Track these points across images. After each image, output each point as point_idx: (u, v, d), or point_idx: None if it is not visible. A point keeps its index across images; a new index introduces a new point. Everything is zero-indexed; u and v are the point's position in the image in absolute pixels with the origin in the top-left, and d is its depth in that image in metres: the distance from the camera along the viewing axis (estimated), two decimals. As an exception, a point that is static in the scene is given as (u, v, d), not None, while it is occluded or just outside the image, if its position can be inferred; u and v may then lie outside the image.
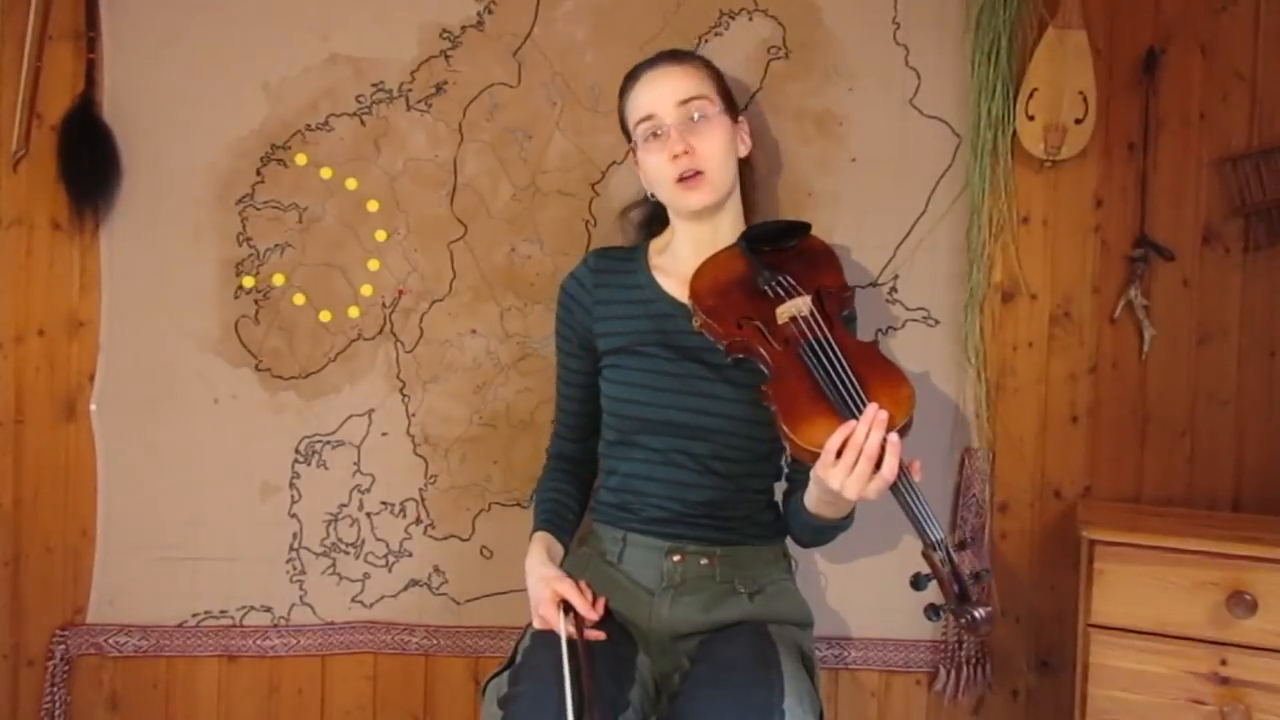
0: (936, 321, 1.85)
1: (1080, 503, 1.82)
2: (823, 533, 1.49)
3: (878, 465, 1.23)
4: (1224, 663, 1.53)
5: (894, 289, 1.85)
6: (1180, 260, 1.80)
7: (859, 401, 1.27)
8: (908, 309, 1.85)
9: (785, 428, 1.28)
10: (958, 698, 1.86)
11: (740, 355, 1.40)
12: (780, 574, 1.57)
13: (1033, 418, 1.86)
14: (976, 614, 1.17)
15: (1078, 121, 1.77)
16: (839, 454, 1.24)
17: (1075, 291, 1.84)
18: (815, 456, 1.26)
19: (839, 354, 1.33)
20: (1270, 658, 1.50)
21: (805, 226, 1.57)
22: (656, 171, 1.53)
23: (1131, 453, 1.84)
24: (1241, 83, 1.79)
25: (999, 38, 1.78)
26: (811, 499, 1.40)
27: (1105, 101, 1.80)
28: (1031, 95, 1.78)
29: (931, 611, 1.23)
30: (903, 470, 1.24)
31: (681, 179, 1.50)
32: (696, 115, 1.51)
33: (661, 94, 1.53)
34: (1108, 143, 1.82)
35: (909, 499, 1.24)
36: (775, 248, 1.52)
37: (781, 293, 1.43)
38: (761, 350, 1.38)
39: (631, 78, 1.59)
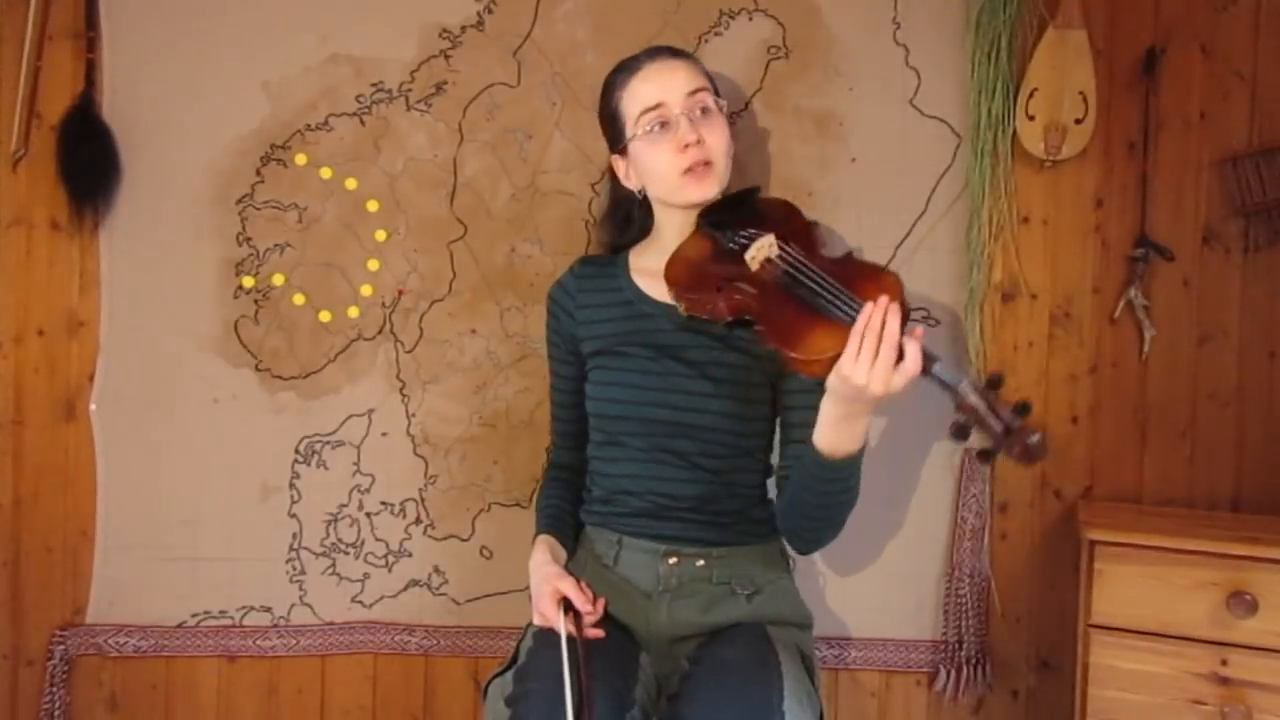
0: (936, 321, 1.85)
1: (1080, 503, 1.82)
2: (832, 493, 1.39)
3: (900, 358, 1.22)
4: (1224, 663, 1.53)
5: (894, 289, 1.85)
6: (1180, 260, 1.80)
7: (847, 298, 1.28)
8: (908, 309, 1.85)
9: (787, 351, 1.28)
10: (958, 698, 1.86)
11: (733, 317, 1.39)
12: (778, 574, 1.56)
13: (1033, 418, 1.85)
14: (1030, 440, 1.15)
15: (1078, 121, 1.77)
16: (858, 352, 1.22)
17: (1075, 291, 1.84)
18: (825, 366, 1.26)
19: (815, 269, 1.34)
20: (1270, 658, 1.50)
21: (754, 190, 1.57)
22: (662, 164, 1.50)
23: (1131, 453, 1.84)
24: (1241, 83, 1.79)
25: (999, 38, 1.78)
26: (823, 427, 1.33)
27: (1105, 101, 1.80)
28: (1031, 95, 1.77)
29: (983, 456, 1.20)
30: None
31: (690, 169, 1.48)
32: (703, 109, 1.50)
33: (671, 84, 1.50)
34: (1108, 143, 1.82)
35: (929, 367, 1.22)
36: (736, 218, 1.51)
37: (746, 242, 1.44)
38: (747, 301, 1.38)
39: (628, 70, 1.53)
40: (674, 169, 1.49)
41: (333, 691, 1.94)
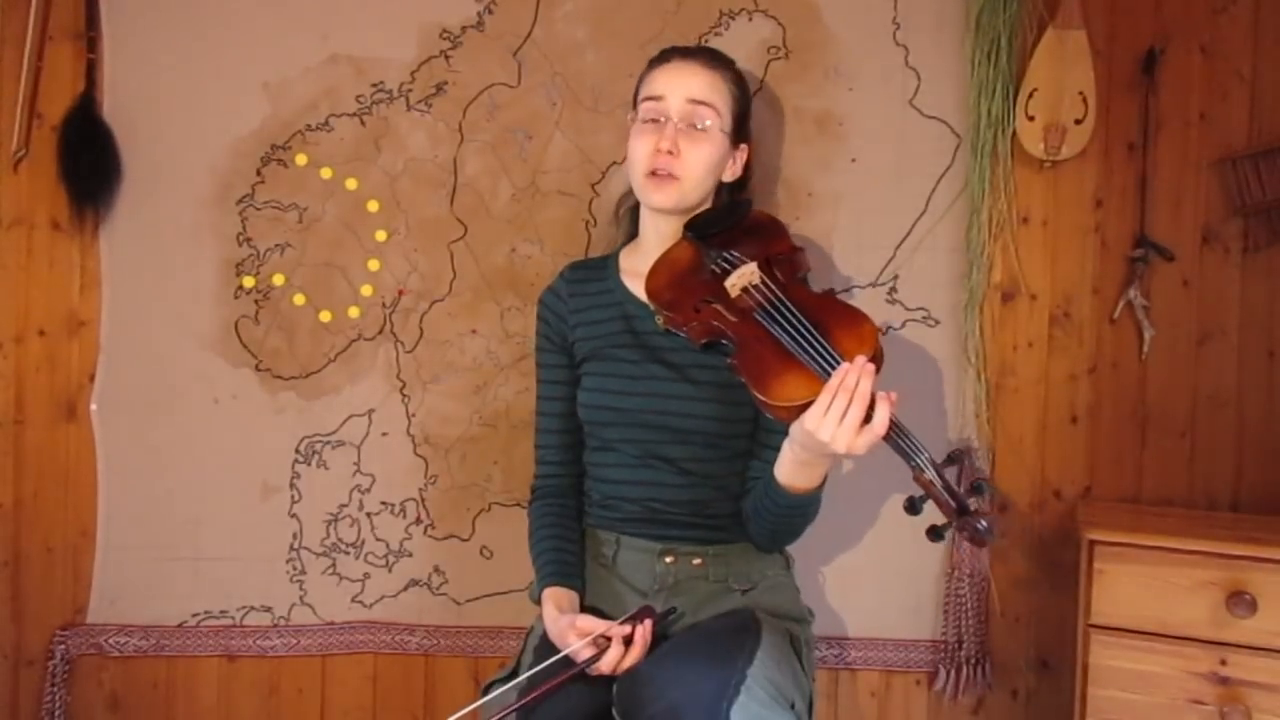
0: (936, 321, 1.85)
1: (1080, 503, 1.82)
2: (788, 517, 1.44)
3: (866, 418, 1.21)
4: (1224, 663, 1.52)
5: (894, 289, 1.85)
6: (1180, 260, 1.80)
7: (823, 348, 1.26)
8: (908, 309, 1.85)
9: (756, 393, 1.27)
10: (958, 698, 1.86)
11: (707, 340, 1.38)
12: (776, 571, 1.56)
13: (1033, 418, 1.86)
14: (980, 524, 1.15)
15: (1077, 122, 1.77)
16: (827, 409, 1.22)
17: (1075, 291, 1.84)
18: (791, 413, 1.25)
19: (794, 309, 1.33)
20: (1270, 658, 1.50)
21: (746, 204, 1.57)
22: (635, 156, 1.52)
23: (1131, 453, 1.84)
24: (1241, 83, 1.79)
25: (999, 38, 1.78)
26: (784, 465, 1.36)
27: (1105, 101, 1.80)
28: (1031, 95, 1.78)
29: (934, 533, 1.19)
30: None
31: (654, 173, 1.49)
32: (699, 123, 1.50)
33: (680, 83, 1.51)
34: (1108, 143, 1.82)
35: (893, 433, 1.22)
36: (722, 231, 1.51)
37: (728, 267, 1.43)
38: (723, 327, 1.36)
39: (662, 57, 1.56)
40: (642, 165, 1.51)
41: (333, 691, 1.94)
